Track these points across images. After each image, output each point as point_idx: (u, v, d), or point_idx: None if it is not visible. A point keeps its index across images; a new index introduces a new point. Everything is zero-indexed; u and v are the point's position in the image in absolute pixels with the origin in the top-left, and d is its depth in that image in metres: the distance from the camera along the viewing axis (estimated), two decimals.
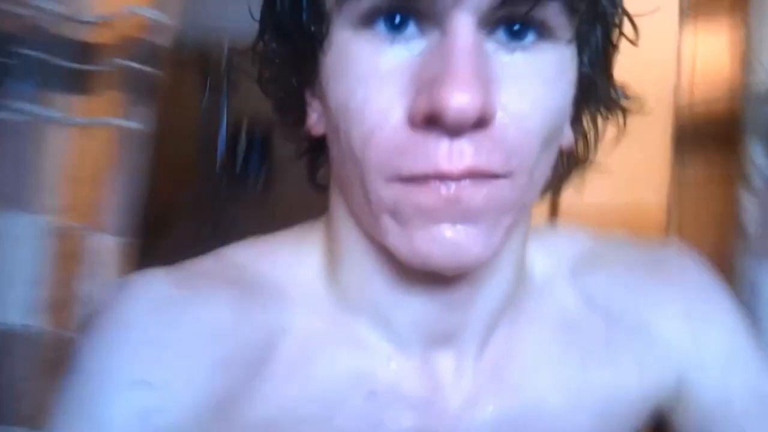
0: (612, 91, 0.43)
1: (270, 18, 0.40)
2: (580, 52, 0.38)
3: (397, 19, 0.34)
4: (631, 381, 0.46)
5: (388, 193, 0.35)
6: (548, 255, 0.48)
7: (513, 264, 0.43)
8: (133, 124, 0.67)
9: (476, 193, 0.34)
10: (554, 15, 0.34)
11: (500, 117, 0.34)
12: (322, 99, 0.39)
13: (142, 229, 0.73)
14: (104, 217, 0.69)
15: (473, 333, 0.43)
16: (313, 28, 0.37)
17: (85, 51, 0.64)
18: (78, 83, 0.65)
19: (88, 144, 0.67)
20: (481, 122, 0.33)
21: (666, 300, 0.48)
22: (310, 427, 0.40)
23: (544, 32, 0.35)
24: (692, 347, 0.47)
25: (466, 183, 0.34)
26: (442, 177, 0.34)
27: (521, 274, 0.45)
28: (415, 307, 0.41)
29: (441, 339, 0.42)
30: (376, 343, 0.42)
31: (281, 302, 0.42)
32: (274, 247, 0.45)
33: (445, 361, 0.43)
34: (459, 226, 0.35)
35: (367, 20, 0.34)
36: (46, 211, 0.67)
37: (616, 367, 0.46)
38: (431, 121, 0.33)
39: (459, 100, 0.31)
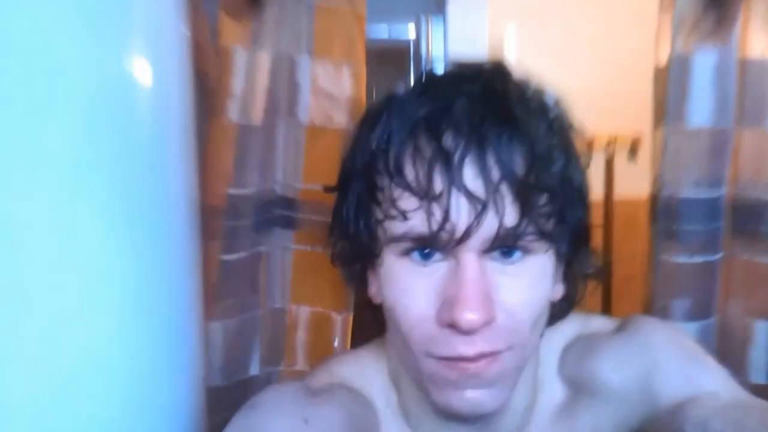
0: (587, 258, 0.60)
1: (339, 224, 0.59)
2: (559, 247, 0.55)
3: (426, 251, 0.53)
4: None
5: (426, 364, 0.54)
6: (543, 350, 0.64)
7: (528, 389, 0.62)
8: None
9: (489, 369, 0.52)
10: (530, 242, 0.52)
11: (499, 314, 0.51)
12: (379, 287, 0.57)
13: None
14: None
15: None
16: (370, 249, 0.56)
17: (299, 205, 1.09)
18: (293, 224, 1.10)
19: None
20: (485, 324, 0.50)
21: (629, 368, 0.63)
22: None
23: (526, 251, 0.53)
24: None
25: (481, 363, 0.52)
26: (462, 359, 0.52)
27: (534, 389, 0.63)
28: (452, 430, 0.60)
29: None
30: None
31: (369, 404, 0.63)
32: (362, 363, 0.66)
33: None
34: (478, 391, 0.53)
35: (407, 252, 0.53)
36: None
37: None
38: (452, 326, 0.50)
39: (468, 317, 0.49)
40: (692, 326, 1.08)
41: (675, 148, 1.07)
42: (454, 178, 0.50)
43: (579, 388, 0.64)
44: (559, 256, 0.55)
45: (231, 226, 1.02)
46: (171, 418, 0.73)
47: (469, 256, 0.51)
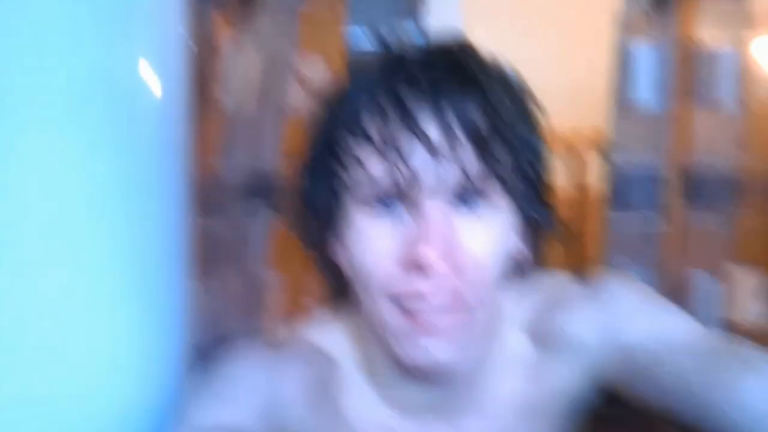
0: (547, 213, 0.60)
1: (301, 187, 0.61)
2: (520, 202, 0.57)
3: (389, 201, 0.54)
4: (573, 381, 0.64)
5: (386, 311, 0.54)
6: (513, 308, 0.66)
7: (494, 347, 0.64)
8: None
9: (446, 320, 0.54)
10: (492, 192, 0.54)
11: (461, 260, 0.53)
12: (340, 242, 0.59)
13: None
14: None
15: (455, 405, 0.63)
16: (331, 207, 0.58)
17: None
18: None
19: None
20: (445, 265, 0.52)
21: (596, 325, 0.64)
22: None
23: (487, 202, 0.54)
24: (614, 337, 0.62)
25: (439, 312, 0.53)
26: (422, 296, 0.53)
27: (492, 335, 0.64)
28: (413, 390, 0.61)
29: (440, 414, 0.62)
30: (390, 407, 0.63)
31: (332, 362, 0.65)
32: (327, 322, 0.69)
33: (439, 425, 0.63)
34: (435, 342, 0.54)
35: (369, 204, 0.55)
36: None
37: (566, 379, 0.65)
38: (414, 265, 0.51)
39: (430, 253, 0.51)
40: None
41: (622, 128, 1.21)
42: (411, 127, 0.51)
43: (547, 345, 0.64)
44: (520, 211, 0.57)
45: (217, 199, 1.14)
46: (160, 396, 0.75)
47: (431, 203, 0.52)
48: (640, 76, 1.21)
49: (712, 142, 1.21)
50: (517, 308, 0.66)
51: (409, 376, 0.59)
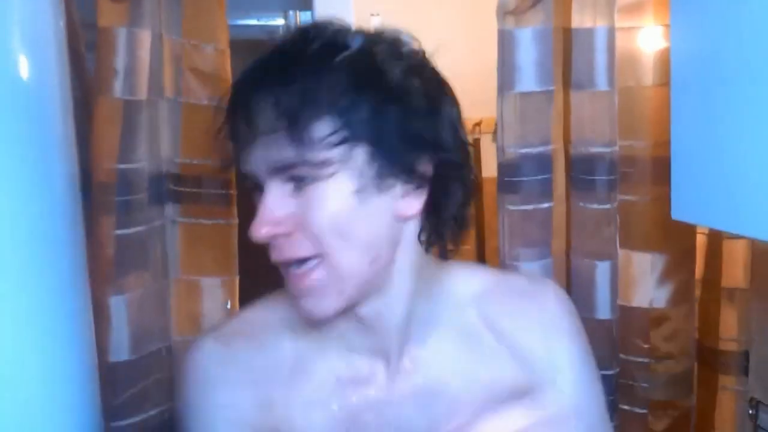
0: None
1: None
2: (361, 171, 0.64)
3: (259, 186, 0.65)
4: (507, 372, 0.75)
5: (281, 273, 0.68)
6: (463, 285, 0.77)
7: (405, 302, 0.72)
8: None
9: (308, 279, 0.65)
10: (310, 170, 0.62)
11: (297, 227, 0.63)
12: None
13: None
14: None
15: (390, 346, 0.73)
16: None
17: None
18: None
19: None
20: (276, 237, 0.64)
21: (530, 322, 0.78)
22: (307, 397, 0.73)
23: (312, 178, 0.62)
24: (546, 356, 0.77)
25: (299, 270, 0.65)
26: (283, 263, 0.66)
27: (433, 300, 0.74)
28: (352, 335, 0.73)
29: (374, 350, 0.73)
30: (340, 353, 0.73)
31: (282, 336, 0.75)
32: (267, 302, 0.79)
33: (379, 361, 0.73)
34: (307, 300, 0.66)
35: (252, 187, 0.67)
36: None
37: (498, 363, 0.75)
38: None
39: (255, 233, 0.63)
40: (533, 265, 1.29)
41: (507, 113, 1.26)
42: (243, 119, 0.63)
43: (493, 332, 0.76)
44: (366, 178, 0.63)
45: (124, 201, 1.10)
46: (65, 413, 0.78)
47: (268, 184, 0.64)
48: (521, 61, 1.25)
49: (592, 125, 1.27)
50: (466, 285, 0.78)
51: (350, 324, 0.71)
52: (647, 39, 1.28)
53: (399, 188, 0.65)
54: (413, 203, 0.67)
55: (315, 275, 0.64)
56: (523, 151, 1.27)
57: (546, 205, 1.28)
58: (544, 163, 1.28)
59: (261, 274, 0.74)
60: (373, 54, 0.64)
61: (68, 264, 0.80)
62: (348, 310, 0.68)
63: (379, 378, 0.73)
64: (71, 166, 0.83)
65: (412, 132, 0.64)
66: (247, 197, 0.69)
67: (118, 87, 1.09)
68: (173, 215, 1.19)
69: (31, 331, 0.73)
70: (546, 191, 1.28)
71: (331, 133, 0.60)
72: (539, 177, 1.28)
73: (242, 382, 0.73)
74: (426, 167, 0.66)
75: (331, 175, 0.62)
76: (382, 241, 0.66)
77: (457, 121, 0.70)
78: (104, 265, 1.08)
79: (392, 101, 0.63)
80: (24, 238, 0.72)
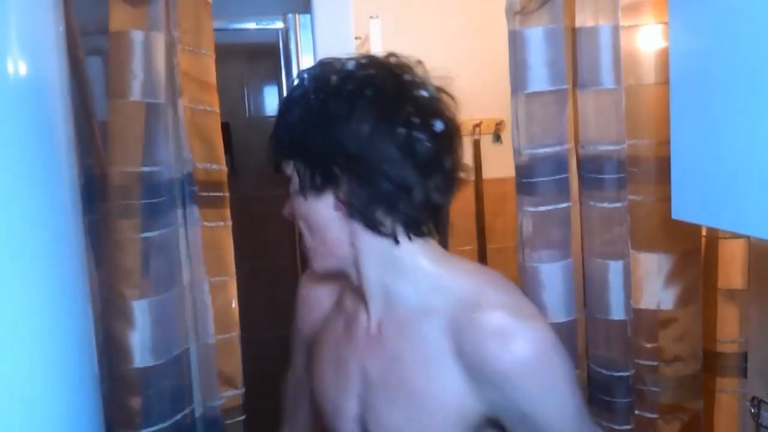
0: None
1: None
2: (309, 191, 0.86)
3: None
4: (454, 387, 0.82)
5: None
6: (443, 290, 0.85)
7: (373, 278, 0.88)
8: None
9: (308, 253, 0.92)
10: (319, 186, 0.84)
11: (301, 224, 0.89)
12: None
13: None
14: None
15: (367, 304, 0.90)
16: None
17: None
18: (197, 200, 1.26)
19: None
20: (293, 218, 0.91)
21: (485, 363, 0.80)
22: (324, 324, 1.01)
23: (312, 192, 0.84)
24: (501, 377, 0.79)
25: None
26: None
27: (405, 286, 0.87)
28: (350, 287, 0.94)
29: (359, 301, 0.92)
30: (350, 297, 0.96)
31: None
32: None
33: (362, 311, 0.92)
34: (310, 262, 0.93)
35: None
36: None
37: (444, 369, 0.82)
38: None
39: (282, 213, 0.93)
40: (554, 266, 1.29)
41: (521, 114, 1.27)
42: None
43: (450, 353, 0.82)
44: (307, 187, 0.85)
45: (147, 204, 1.12)
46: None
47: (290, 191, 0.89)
48: (533, 61, 1.25)
49: (599, 123, 1.27)
50: (445, 292, 0.85)
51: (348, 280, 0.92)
52: (648, 37, 1.28)
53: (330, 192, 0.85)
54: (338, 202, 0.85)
55: (309, 253, 0.93)
56: (540, 151, 1.27)
57: (564, 205, 1.28)
58: (560, 162, 1.27)
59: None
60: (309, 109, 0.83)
61: (68, 265, 0.81)
62: (340, 271, 0.91)
63: (360, 325, 0.92)
64: (71, 169, 0.84)
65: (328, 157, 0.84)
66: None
67: (137, 90, 1.10)
68: (194, 217, 1.22)
69: (30, 330, 0.74)
70: (563, 191, 1.28)
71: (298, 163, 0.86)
72: (556, 177, 1.27)
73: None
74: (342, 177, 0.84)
75: (298, 194, 0.87)
76: (329, 228, 0.86)
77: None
78: (126, 269, 1.10)
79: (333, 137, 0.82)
80: (24, 239, 0.73)
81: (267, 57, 2.12)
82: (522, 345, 0.78)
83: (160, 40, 1.12)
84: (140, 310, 1.11)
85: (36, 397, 0.74)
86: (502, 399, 0.79)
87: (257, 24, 1.64)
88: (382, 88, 0.82)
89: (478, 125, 2.34)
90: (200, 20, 1.20)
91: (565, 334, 1.28)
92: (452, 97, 0.86)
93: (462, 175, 0.87)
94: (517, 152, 1.30)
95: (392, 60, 0.85)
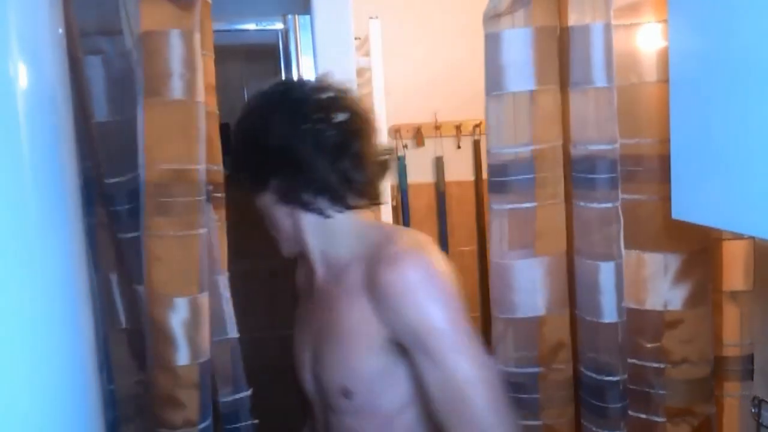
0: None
1: None
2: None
3: None
4: (366, 316, 0.98)
5: None
6: (365, 246, 1.03)
7: (316, 249, 1.09)
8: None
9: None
10: (262, 190, 1.07)
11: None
12: None
13: None
14: None
15: (316, 276, 1.11)
16: None
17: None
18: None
19: None
20: None
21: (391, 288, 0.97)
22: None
23: (262, 194, 1.08)
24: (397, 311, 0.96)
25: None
26: None
27: (340, 252, 1.07)
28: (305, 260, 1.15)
29: (312, 271, 1.12)
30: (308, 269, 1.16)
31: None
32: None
33: (316, 279, 1.10)
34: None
35: None
36: None
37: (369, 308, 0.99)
38: None
39: None
40: (520, 264, 1.33)
41: (491, 115, 1.31)
42: None
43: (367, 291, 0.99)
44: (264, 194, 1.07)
45: (180, 203, 1.16)
46: None
47: None
48: (504, 62, 1.28)
49: (591, 122, 1.27)
50: (365, 247, 1.03)
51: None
52: (649, 35, 1.28)
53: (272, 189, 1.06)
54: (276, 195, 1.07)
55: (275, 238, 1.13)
56: (506, 151, 1.31)
57: (528, 205, 1.32)
58: (526, 163, 1.30)
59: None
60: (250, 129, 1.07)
61: (71, 267, 0.82)
62: (300, 252, 1.11)
63: (316, 289, 1.10)
64: (71, 171, 0.85)
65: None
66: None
67: (176, 88, 1.13)
68: (212, 217, 1.27)
69: (30, 331, 0.74)
70: (529, 192, 1.31)
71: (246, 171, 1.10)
72: (521, 177, 1.31)
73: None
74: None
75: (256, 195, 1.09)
76: (278, 217, 1.07)
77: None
78: (178, 267, 1.16)
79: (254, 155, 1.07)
80: (24, 240, 0.73)
81: (267, 58, 2.12)
82: (407, 267, 0.95)
83: (197, 39, 1.16)
84: (180, 308, 1.16)
85: (36, 397, 0.74)
86: (395, 316, 0.94)
87: (257, 25, 1.65)
88: (286, 97, 1.03)
89: (478, 125, 2.34)
90: (200, 21, 1.20)
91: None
92: (357, 97, 1.07)
93: (382, 157, 1.06)
94: (488, 152, 1.34)
95: (306, 78, 1.11)
